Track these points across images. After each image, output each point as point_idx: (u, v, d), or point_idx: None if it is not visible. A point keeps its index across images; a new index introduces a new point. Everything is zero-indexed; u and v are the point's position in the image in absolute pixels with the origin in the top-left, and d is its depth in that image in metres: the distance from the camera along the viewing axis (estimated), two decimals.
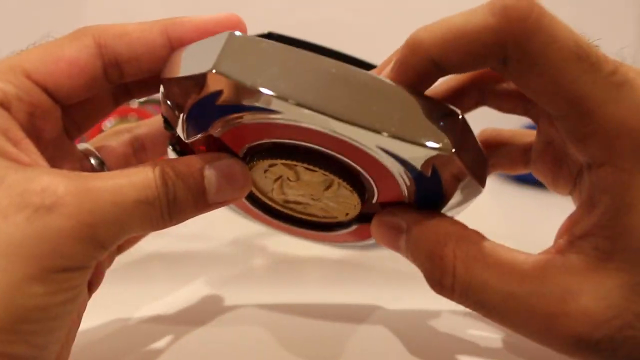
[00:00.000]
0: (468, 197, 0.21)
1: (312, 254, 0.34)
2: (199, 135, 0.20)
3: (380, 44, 0.69)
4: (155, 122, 0.25)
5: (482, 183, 0.20)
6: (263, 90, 0.17)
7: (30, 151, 0.18)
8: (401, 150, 0.18)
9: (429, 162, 0.18)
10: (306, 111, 0.17)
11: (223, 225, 0.39)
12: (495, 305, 0.19)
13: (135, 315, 0.26)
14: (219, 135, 0.20)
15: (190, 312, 0.26)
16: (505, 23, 0.17)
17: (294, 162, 0.20)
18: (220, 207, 0.20)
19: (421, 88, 0.19)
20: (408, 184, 0.20)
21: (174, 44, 0.21)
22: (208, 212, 0.21)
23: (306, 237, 0.26)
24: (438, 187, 0.20)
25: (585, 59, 0.17)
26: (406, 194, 0.20)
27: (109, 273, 0.22)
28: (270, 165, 0.21)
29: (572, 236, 0.19)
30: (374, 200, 0.22)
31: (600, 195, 0.18)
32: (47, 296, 0.16)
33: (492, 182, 0.27)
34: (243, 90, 0.17)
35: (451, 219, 0.21)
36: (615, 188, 0.18)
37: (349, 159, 0.20)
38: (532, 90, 0.18)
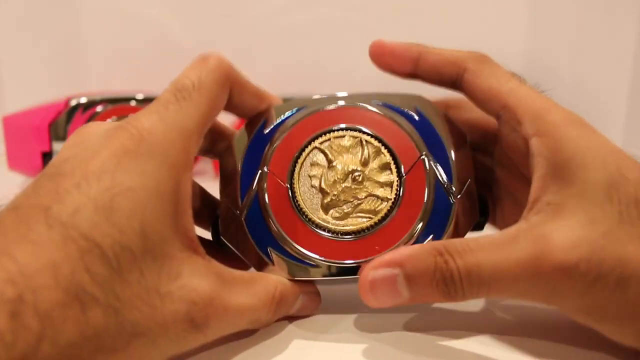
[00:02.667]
0: None
1: None
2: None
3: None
4: None
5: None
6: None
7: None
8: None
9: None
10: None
11: None
12: (492, 276, 0.21)
13: None
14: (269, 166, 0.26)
15: None
16: (469, 54, 0.27)
17: (324, 138, 0.27)
18: None
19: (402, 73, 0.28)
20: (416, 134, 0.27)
21: None
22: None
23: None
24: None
25: (516, 77, 0.26)
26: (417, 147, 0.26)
27: None
28: (311, 164, 0.26)
29: (529, 204, 0.23)
30: (402, 170, 0.26)
31: (538, 160, 0.23)
32: None
33: None
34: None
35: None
36: (547, 152, 0.23)
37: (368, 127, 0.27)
38: (479, 94, 0.26)
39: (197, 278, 0.21)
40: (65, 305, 0.17)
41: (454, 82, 0.27)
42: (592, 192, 0.21)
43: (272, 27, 0.62)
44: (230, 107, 0.26)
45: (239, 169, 0.27)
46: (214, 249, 0.27)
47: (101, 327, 0.17)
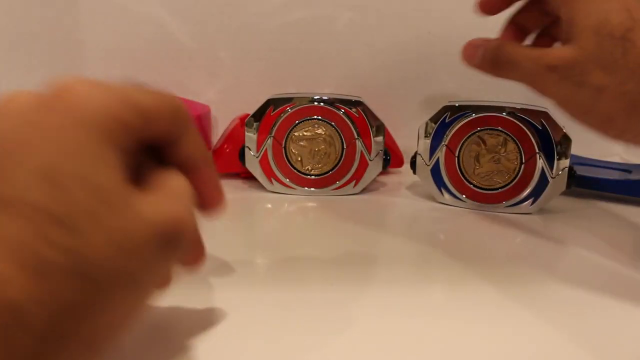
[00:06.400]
0: None
1: (313, 254, 0.35)
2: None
3: (376, 44, 0.68)
4: None
5: None
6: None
7: None
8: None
9: None
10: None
11: (222, 224, 0.39)
12: (511, 61, 0.35)
13: None
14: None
15: (189, 312, 0.26)
16: None
17: (486, 132, 0.45)
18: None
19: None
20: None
21: None
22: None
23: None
24: None
25: None
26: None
27: None
28: (474, 144, 0.45)
29: (562, 39, 0.36)
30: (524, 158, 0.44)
31: (564, 22, 0.35)
32: None
33: None
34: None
35: None
36: (565, 18, 0.35)
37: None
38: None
39: (150, 199, 0.20)
40: (37, 291, 0.16)
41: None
42: (585, 36, 0.34)
43: (272, 27, 0.62)
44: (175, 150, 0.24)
45: (430, 139, 0.46)
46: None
47: (77, 298, 0.17)
